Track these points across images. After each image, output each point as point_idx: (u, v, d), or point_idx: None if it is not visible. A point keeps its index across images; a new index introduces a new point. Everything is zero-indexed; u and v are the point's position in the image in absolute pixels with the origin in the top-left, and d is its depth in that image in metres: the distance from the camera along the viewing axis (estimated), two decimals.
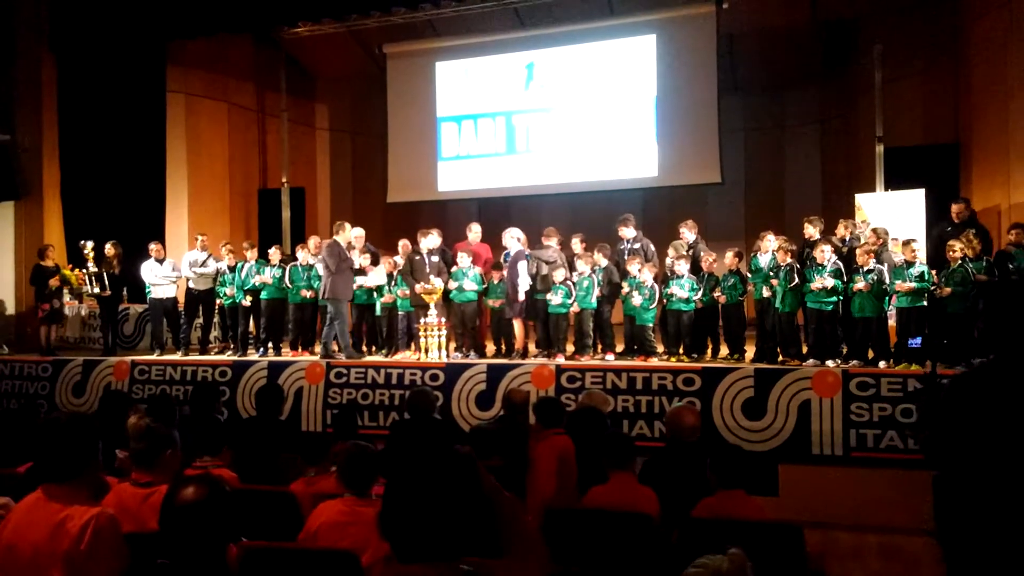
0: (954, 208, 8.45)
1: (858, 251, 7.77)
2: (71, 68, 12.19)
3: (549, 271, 8.73)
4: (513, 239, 9.40)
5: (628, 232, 9.25)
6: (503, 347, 9.15)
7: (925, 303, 7.39)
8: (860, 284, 7.52)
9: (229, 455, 4.59)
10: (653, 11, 12.26)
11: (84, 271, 10.01)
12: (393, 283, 9.28)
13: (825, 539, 5.99)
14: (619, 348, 8.98)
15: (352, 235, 9.77)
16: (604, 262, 8.88)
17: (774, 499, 6.76)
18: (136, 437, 3.50)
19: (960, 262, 7.29)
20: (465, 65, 13.25)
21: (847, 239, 8.49)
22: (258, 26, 12.83)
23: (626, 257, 8.88)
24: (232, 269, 9.77)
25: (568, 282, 8.60)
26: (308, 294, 9.44)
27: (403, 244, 9.73)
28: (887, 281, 7.51)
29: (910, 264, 7.45)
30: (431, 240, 9.23)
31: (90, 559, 2.44)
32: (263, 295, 9.59)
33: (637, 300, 8.36)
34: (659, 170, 12.17)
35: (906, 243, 7.70)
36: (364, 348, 9.70)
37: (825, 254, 7.76)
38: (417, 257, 9.09)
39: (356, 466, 3.41)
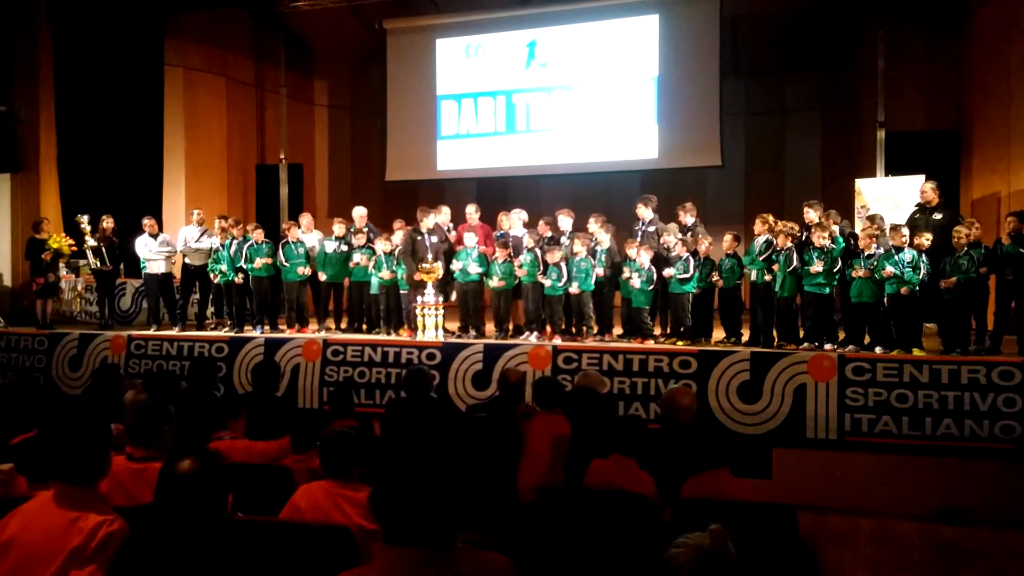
0: (920, 189, 8.39)
1: (861, 235, 7.76)
2: (68, 40, 12.09)
3: (546, 252, 8.74)
4: (518, 221, 9.44)
5: (646, 214, 9.22)
6: (506, 327, 9.13)
7: (904, 291, 7.34)
8: (860, 272, 7.52)
9: (243, 425, 4.60)
10: None
11: (84, 245, 9.95)
12: (395, 263, 9.27)
13: (818, 522, 6.04)
14: (617, 330, 9.00)
15: (356, 214, 9.84)
16: (606, 243, 8.87)
17: (768, 482, 6.81)
18: (133, 412, 3.49)
19: (966, 249, 7.27)
20: (466, 42, 13.16)
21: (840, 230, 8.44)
22: (258, 0, 12.73)
23: (639, 239, 8.87)
24: (224, 246, 9.75)
25: (561, 264, 8.60)
26: (305, 271, 9.46)
27: (399, 224, 9.76)
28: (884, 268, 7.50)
29: (899, 249, 7.42)
30: (431, 220, 9.19)
31: (94, 560, 2.44)
32: (251, 273, 9.58)
33: (636, 283, 8.37)
34: (659, 152, 12.14)
35: (894, 228, 7.67)
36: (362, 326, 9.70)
37: (824, 238, 7.75)
38: (419, 237, 9.07)
39: (336, 452, 3.39)
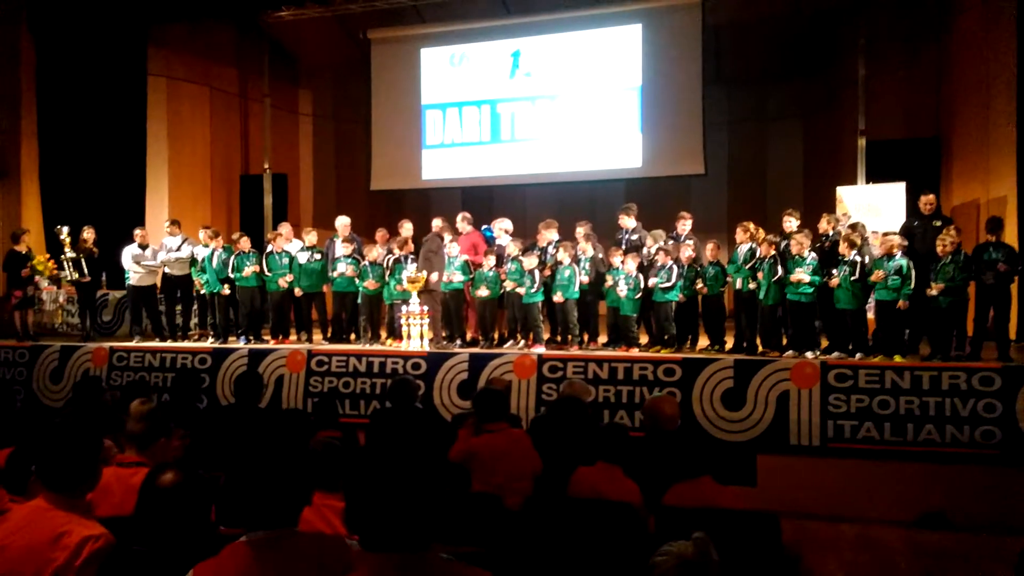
0: (923, 199, 8.48)
1: (840, 241, 7.84)
2: (50, 50, 12.02)
3: (521, 260, 8.77)
4: (502, 231, 9.47)
5: (629, 222, 9.29)
6: (493, 336, 9.15)
7: (901, 304, 7.45)
8: (834, 280, 7.62)
9: (180, 446, 4.50)
10: (639, 1, 12.26)
11: (62, 256, 9.88)
12: (388, 272, 9.26)
13: (801, 529, 6.06)
14: (602, 339, 9.03)
15: (339, 224, 9.85)
16: (590, 251, 8.92)
17: (752, 489, 6.83)
18: (138, 418, 3.52)
19: (951, 256, 7.36)
20: (450, 52, 13.19)
21: (830, 234, 8.53)
22: (241, 10, 12.71)
23: (622, 247, 8.92)
24: (206, 258, 9.72)
25: (534, 272, 8.62)
26: (286, 280, 9.43)
27: (381, 233, 9.77)
28: (857, 274, 7.58)
29: (890, 257, 7.51)
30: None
31: None
32: (239, 283, 9.56)
33: (623, 291, 8.40)
34: (643, 160, 12.19)
35: (886, 235, 7.76)
36: (351, 336, 9.68)
37: (802, 246, 7.83)
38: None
39: (321, 463, 3.38)
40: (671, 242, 8.94)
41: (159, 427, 3.48)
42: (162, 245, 10.09)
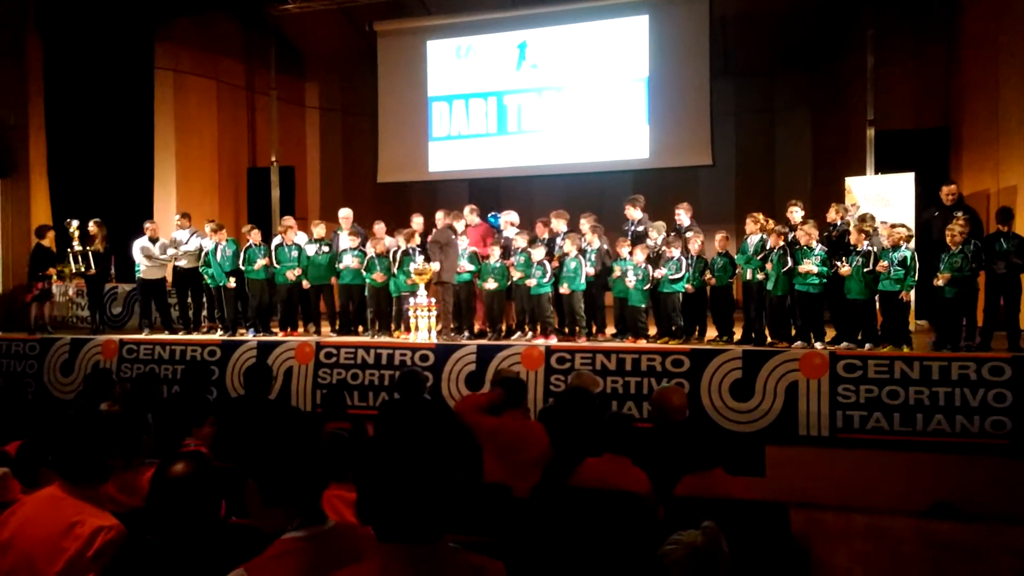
0: (944, 190, 8.46)
1: (852, 230, 7.82)
2: (57, 45, 12.05)
3: (529, 251, 8.77)
4: (508, 223, 9.47)
5: (635, 213, 9.27)
6: (501, 328, 9.16)
7: (904, 295, 7.42)
8: (844, 268, 7.59)
9: (210, 433, 4.54)
10: None
11: (69, 250, 9.94)
12: (396, 265, 9.27)
13: (811, 519, 6.06)
14: (610, 330, 9.02)
15: (342, 215, 9.86)
16: (596, 243, 8.91)
17: (761, 480, 6.83)
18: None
19: (960, 247, 7.32)
20: (456, 44, 13.17)
21: (837, 223, 8.50)
22: (247, 3, 12.72)
23: (629, 238, 8.91)
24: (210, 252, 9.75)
25: (544, 262, 8.62)
26: (294, 274, 9.45)
27: (379, 226, 9.77)
28: (870, 265, 7.56)
29: (895, 248, 7.49)
30: (462, 224, 9.37)
31: (91, 568, 2.44)
32: (249, 275, 9.58)
33: (631, 281, 8.38)
34: (650, 152, 12.16)
35: (892, 226, 7.73)
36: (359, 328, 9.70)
37: (810, 237, 7.81)
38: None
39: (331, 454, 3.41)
40: (672, 234, 8.91)
41: (134, 428, 3.45)
42: (172, 239, 10.12)
